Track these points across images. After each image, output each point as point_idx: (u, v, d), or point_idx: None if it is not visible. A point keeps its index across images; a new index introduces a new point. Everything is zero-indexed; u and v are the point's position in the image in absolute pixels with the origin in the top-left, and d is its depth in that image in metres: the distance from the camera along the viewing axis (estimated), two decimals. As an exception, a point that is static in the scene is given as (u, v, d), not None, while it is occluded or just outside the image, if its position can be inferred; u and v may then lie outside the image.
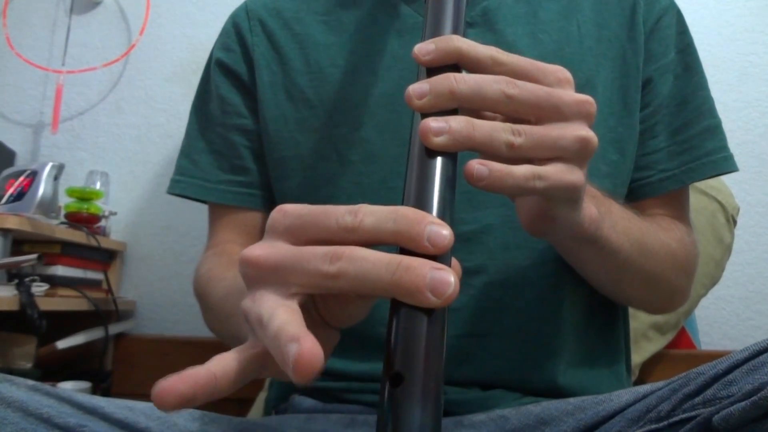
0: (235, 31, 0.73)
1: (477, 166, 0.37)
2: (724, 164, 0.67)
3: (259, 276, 0.33)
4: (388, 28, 0.67)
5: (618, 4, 0.68)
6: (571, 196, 0.43)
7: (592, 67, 0.65)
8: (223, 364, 0.32)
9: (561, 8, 0.67)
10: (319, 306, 0.35)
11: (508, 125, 0.38)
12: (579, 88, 0.42)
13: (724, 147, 0.68)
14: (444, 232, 0.30)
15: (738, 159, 0.69)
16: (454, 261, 0.33)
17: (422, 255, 0.31)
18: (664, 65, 0.68)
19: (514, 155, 0.38)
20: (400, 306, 0.30)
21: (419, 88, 0.37)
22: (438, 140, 0.35)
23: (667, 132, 0.67)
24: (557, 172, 0.40)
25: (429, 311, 0.30)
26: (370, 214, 0.31)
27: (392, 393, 0.29)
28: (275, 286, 0.32)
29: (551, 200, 0.43)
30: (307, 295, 0.33)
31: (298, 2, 0.72)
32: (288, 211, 0.33)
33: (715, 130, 0.68)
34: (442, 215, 0.33)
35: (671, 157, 0.67)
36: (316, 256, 0.31)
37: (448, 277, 0.29)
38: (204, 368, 0.31)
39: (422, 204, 0.33)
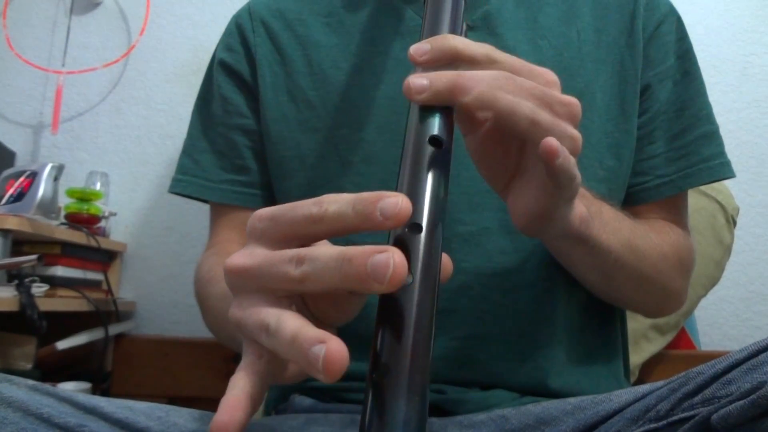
0: (238, 31, 0.73)
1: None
2: (721, 170, 0.67)
3: (242, 284, 0.34)
4: (390, 31, 0.67)
5: (618, 10, 0.68)
6: (573, 189, 0.43)
7: (590, 72, 0.65)
8: (251, 384, 0.32)
9: (561, 14, 0.67)
10: (309, 306, 0.35)
11: (529, 103, 0.39)
12: (577, 94, 0.43)
13: (721, 153, 0.68)
14: (394, 200, 0.30)
15: (738, 159, 0.69)
16: (446, 258, 0.34)
17: (402, 239, 0.31)
18: (663, 71, 0.68)
19: (533, 132, 0.39)
20: (388, 298, 0.30)
21: (419, 83, 0.37)
22: (466, 99, 0.36)
23: (664, 138, 0.67)
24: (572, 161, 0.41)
25: (417, 304, 0.30)
26: (333, 202, 0.32)
27: (377, 385, 0.29)
28: (259, 292, 0.33)
29: (556, 191, 0.43)
30: (297, 296, 0.33)
31: (300, 3, 0.72)
32: (262, 215, 0.34)
33: (712, 136, 0.68)
34: (435, 212, 0.33)
35: (669, 162, 0.67)
36: (283, 260, 0.32)
37: (386, 259, 0.29)
38: (240, 393, 0.31)
39: (413, 201, 0.33)
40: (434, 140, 0.36)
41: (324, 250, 0.31)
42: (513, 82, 0.38)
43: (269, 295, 0.33)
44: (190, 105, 0.78)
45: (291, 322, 0.30)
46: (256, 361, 0.33)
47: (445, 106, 0.38)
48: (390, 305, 0.30)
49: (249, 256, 0.34)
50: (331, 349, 0.28)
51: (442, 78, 0.37)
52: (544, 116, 0.39)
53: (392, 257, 0.29)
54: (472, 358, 0.60)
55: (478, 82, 0.37)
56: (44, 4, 1.45)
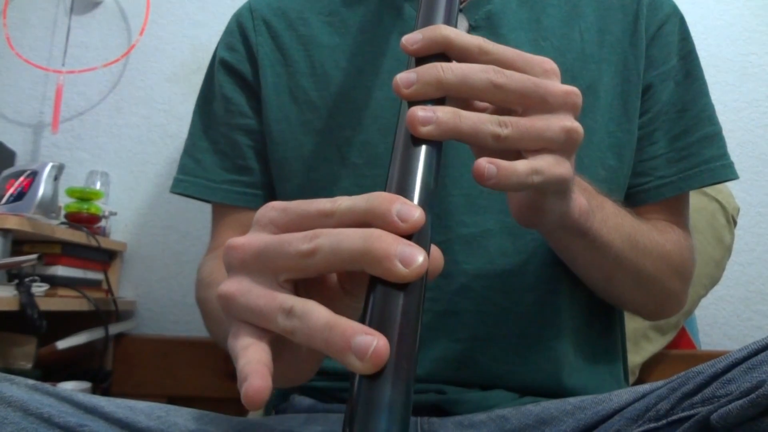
0: (239, 30, 0.73)
1: (487, 165, 0.38)
2: (723, 172, 0.67)
3: (242, 262, 0.34)
4: (391, 30, 0.67)
5: (621, 10, 0.68)
6: (559, 188, 0.43)
7: (593, 73, 0.65)
8: (264, 354, 0.32)
9: (564, 14, 0.67)
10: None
11: (495, 117, 0.38)
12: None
13: (723, 155, 0.68)
14: (414, 211, 0.31)
15: (738, 159, 0.68)
16: (435, 250, 0.33)
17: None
18: (665, 72, 0.67)
19: (500, 147, 0.38)
20: (376, 283, 0.31)
21: (406, 77, 0.37)
22: (425, 129, 0.35)
23: (666, 139, 0.67)
24: (549, 166, 0.40)
25: (405, 290, 0.30)
26: (347, 199, 0.32)
27: None
28: (258, 273, 0.33)
29: (540, 192, 0.43)
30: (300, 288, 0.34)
31: (301, 1, 0.72)
32: (275, 205, 0.35)
33: (714, 137, 0.68)
34: (424, 203, 0.33)
35: (670, 163, 0.67)
36: (295, 238, 0.32)
37: (417, 252, 0.30)
38: (260, 361, 0.31)
39: (404, 191, 0.33)
40: None
41: (344, 229, 0.31)
42: (502, 75, 0.38)
43: (271, 277, 0.33)
44: (191, 104, 0.78)
45: (320, 309, 0.30)
46: (257, 341, 0.33)
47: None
48: (378, 292, 0.31)
49: (255, 237, 0.34)
50: (380, 344, 0.28)
51: (429, 72, 0.37)
52: (510, 129, 0.38)
53: (422, 254, 0.30)
54: (473, 359, 0.60)
55: (463, 80, 0.37)
56: (44, 4, 1.45)
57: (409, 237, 0.31)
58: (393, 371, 0.29)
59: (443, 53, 0.39)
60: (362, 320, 0.31)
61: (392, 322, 0.30)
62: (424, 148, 0.35)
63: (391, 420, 0.28)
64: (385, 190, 0.34)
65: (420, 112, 0.36)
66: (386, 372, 0.29)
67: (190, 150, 0.74)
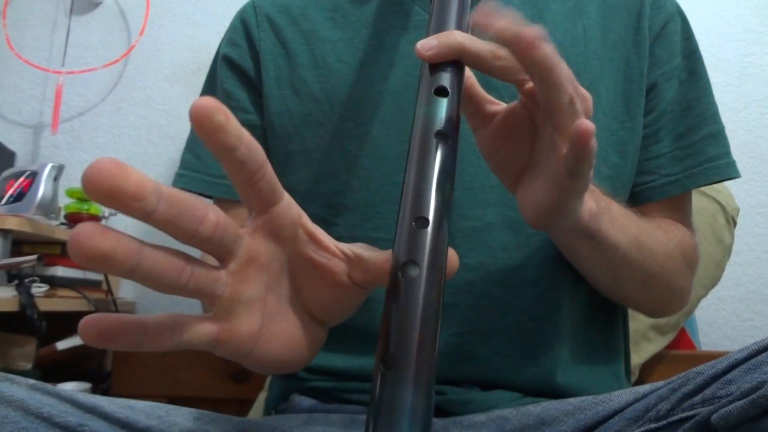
0: (243, 26, 0.73)
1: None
2: (726, 170, 0.67)
3: None
4: (395, 25, 0.67)
5: (624, 8, 0.68)
6: (588, 176, 0.43)
7: (596, 70, 0.65)
8: (159, 319, 0.33)
9: (567, 11, 0.67)
10: (309, 302, 0.35)
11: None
12: None
13: (726, 153, 0.68)
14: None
15: (738, 159, 0.69)
16: (452, 252, 0.34)
17: (410, 233, 0.33)
18: (670, 71, 0.68)
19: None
20: (397, 291, 0.31)
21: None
22: (538, 54, 0.39)
23: (670, 137, 0.67)
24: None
25: (423, 297, 0.31)
26: None
27: (385, 375, 0.29)
28: None
29: (576, 176, 0.43)
30: (294, 288, 0.34)
31: None
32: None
33: (718, 136, 0.68)
34: (440, 209, 0.34)
35: (674, 162, 0.67)
36: None
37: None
38: (138, 316, 0.32)
39: (420, 197, 0.34)
40: (441, 135, 0.36)
41: None
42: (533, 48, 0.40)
43: None
44: (190, 104, 0.78)
45: None
46: (199, 315, 0.34)
47: (452, 99, 0.38)
48: (397, 298, 0.31)
49: None
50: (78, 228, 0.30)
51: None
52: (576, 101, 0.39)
53: None
54: (473, 353, 0.60)
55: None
56: (44, 4, 1.45)
57: (428, 240, 0.32)
58: (414, 376, 0.29)
59: (457, 60, 0.40)
60: (382, 325, 0.31)
61: (413, 329, 0.30)
62: (440, 151, 0.36)
63: (413, 425, 0.28)
64: (401, 196, 0.35)
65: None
66: (408, 377, 0.29)
67: (190, 145, 0.75)
